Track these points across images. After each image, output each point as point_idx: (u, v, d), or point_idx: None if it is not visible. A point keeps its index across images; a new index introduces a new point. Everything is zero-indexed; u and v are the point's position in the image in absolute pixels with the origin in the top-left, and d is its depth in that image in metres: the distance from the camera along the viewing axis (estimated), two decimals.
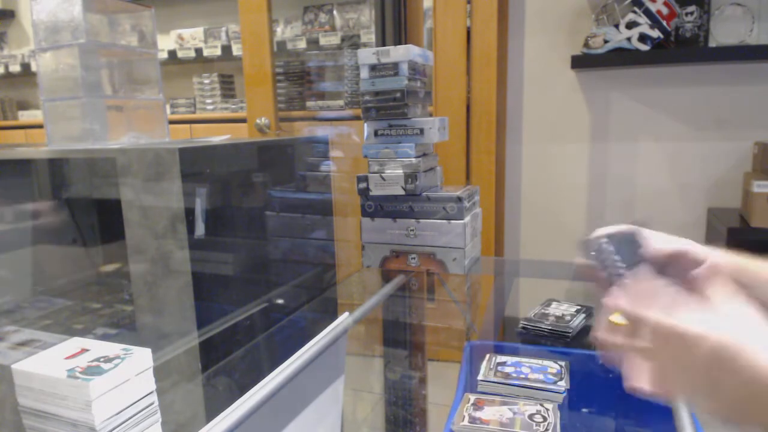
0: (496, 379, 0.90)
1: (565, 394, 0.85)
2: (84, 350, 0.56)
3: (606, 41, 2.10)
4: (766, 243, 1.96)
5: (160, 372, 0.58)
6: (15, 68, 3.57)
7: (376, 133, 1.12)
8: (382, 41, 1.42)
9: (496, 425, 0.75)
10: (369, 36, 2.75)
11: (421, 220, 1.12)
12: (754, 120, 2.16)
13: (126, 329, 1.13)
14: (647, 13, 2.04)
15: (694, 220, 2.29)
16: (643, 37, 2.05)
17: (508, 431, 0.74)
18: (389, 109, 1.09)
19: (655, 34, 2.04)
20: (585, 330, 1.13)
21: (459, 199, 1.09)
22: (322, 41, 2.81)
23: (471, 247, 1.14)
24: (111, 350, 0.56)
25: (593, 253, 0.51)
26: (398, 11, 1.40)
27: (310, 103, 2.78)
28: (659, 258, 0.57)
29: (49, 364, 0.53)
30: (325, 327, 0.80)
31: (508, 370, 0.93)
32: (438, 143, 1.20)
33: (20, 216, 1.19)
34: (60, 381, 0.51)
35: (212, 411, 0.58)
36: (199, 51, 3.09)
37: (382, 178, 1.11)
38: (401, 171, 1.10)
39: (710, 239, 2.22)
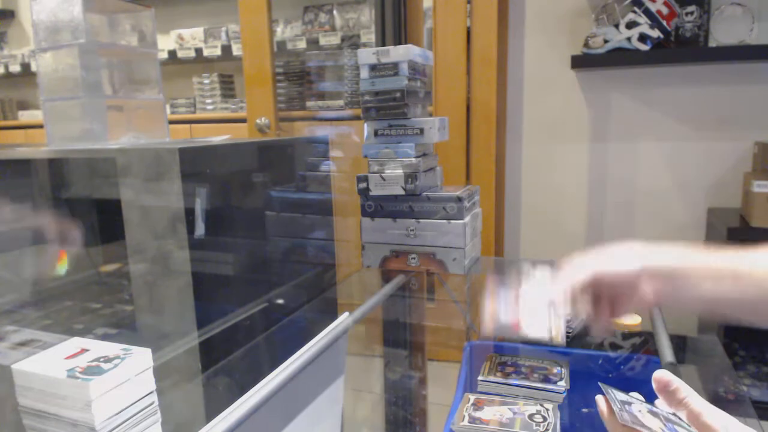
0: (496, 379, 0.89)
1: (565, 394, 0.85)
2: (84, 350, 0.56)
3: (606, 41, 2.10)
4: (766, 243, 1.95)
5: (160, 372, 0.58)
6: (15, 68, 3.57)
7: (376, 133, 1.12)
8: (382, 41, 1.41)
9: (496, 425, 0.75)
10: (369, 36, 2.75)
11: (421, 220, 1.12)
12: (754, 120, 2.16)
13: (126, 329, 1.13)
14: (647, 13, 2.04)
15: (694, 220, 2.29)
16: (643, 37, 2.05)
17: (508, 431, 0.74)
18: (389, 109, 1.09)
19: (655, 34, 2.04)
20: (585, 330, 1.13)
21: (459, 199, 1.09)
22: (322, 41, 2.80)
23: (471, 247, 1.14)
24: (111, 350, 0.56)
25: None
26: (398, 11, 1.40)
27: (310, 103, 2.78)
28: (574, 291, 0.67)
29: (49, 364, 0.53)
30: (325, 327, 0.80)
31: (508, 370, 0.93)
32: (438, 143, 1.20)
33: (20, 216, 1.19)
34: (60, 381, 0.51)
35: (212, 411, 0.58)
36: (199, 51, 3.09)
37: (382, 178, 1.11)
38: (401, 171, 1.10)
39: (710, 239, 2.22)
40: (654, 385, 0.50)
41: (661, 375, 0.50)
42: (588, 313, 0.70)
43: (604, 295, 0.70)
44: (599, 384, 0.57)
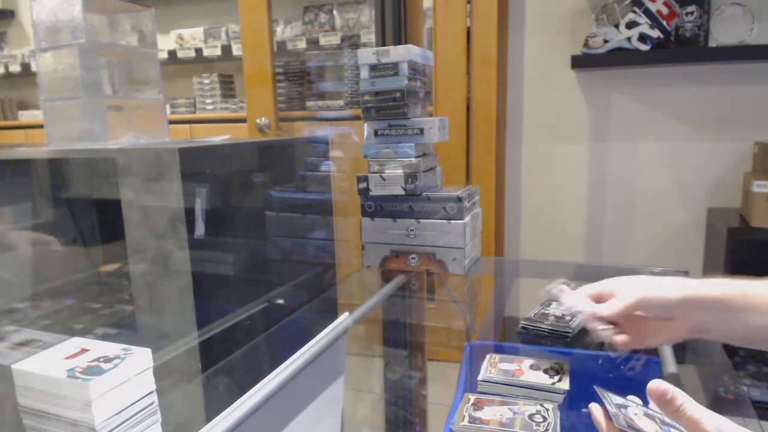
0: (496, 379, 0.89)
1: (565, 394, 0.85)
2: (84, 350, 0.56)
3: (606, 41, 2.10)
4: (766, 243, 1.96)
5: (160, 372, 0.58)
6: (15, 68, 3.56)
7: (376, 133, 1.12)
8: (382, 41, 1.41)
9: (496, 425, 0.75)
10: (369, 36, 2.75)
11: (421, 220, 1.12)
12: (754, 120, 2.16)
13: (126, 329, 1.13)
14: (647, 13, 2.04)
15: (694, 220, 2.29)
16: (643, 37, 2.05)
17: (508, 431, 0.74)
18: (389, 109, 1.09)
19: (655, 34, 2.04)
20: (585, 330, 1.13)
21: (459, 199, 1.09)
22: (322, 41, 2.80)
23: (471, 247, 1.14)
24: (111, 350, 0.56)
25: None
26: (398, 11, 1.40)
27: (310, 103, 2.78)
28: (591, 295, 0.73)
29: (49, 364, 0.53)
30: (325, 327, 0.80)
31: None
32: (438, 143, 1.20)
33: (20, 216, 1.19)
34: (60, 381, 0.51)
35: (212, 411, 0.58)
36: (199, 51, 3.09)
37: (382, 178, 1.11)
38: (401, 171, 1.10)
39: (710, 239, 2.22)
40: (649, 396, 0.50)
41: (656, 385, 0.49)
42: (619, 335, 0.70)
43: (640, 320, 0.70)
44: (595, 388, 0.57)
